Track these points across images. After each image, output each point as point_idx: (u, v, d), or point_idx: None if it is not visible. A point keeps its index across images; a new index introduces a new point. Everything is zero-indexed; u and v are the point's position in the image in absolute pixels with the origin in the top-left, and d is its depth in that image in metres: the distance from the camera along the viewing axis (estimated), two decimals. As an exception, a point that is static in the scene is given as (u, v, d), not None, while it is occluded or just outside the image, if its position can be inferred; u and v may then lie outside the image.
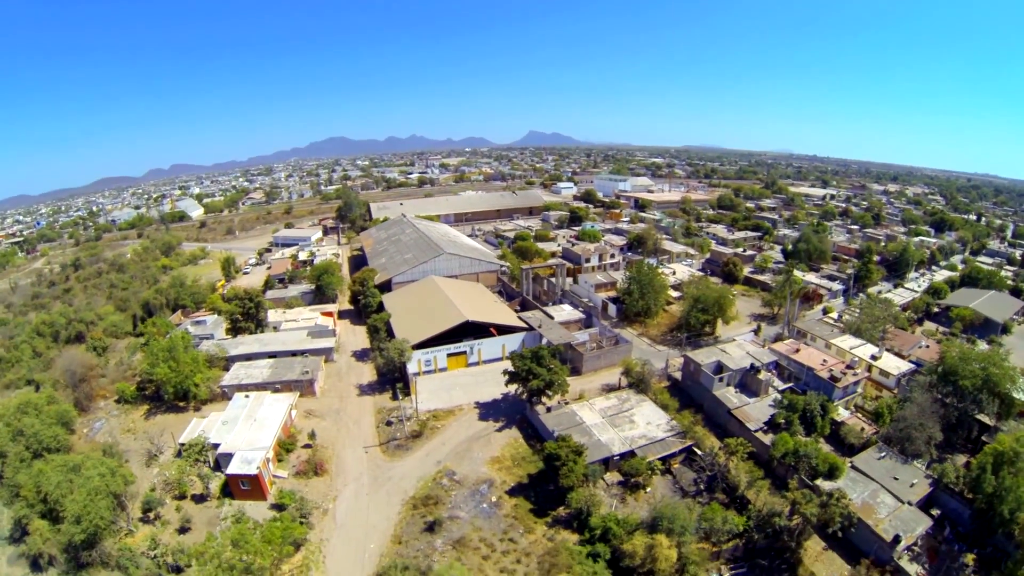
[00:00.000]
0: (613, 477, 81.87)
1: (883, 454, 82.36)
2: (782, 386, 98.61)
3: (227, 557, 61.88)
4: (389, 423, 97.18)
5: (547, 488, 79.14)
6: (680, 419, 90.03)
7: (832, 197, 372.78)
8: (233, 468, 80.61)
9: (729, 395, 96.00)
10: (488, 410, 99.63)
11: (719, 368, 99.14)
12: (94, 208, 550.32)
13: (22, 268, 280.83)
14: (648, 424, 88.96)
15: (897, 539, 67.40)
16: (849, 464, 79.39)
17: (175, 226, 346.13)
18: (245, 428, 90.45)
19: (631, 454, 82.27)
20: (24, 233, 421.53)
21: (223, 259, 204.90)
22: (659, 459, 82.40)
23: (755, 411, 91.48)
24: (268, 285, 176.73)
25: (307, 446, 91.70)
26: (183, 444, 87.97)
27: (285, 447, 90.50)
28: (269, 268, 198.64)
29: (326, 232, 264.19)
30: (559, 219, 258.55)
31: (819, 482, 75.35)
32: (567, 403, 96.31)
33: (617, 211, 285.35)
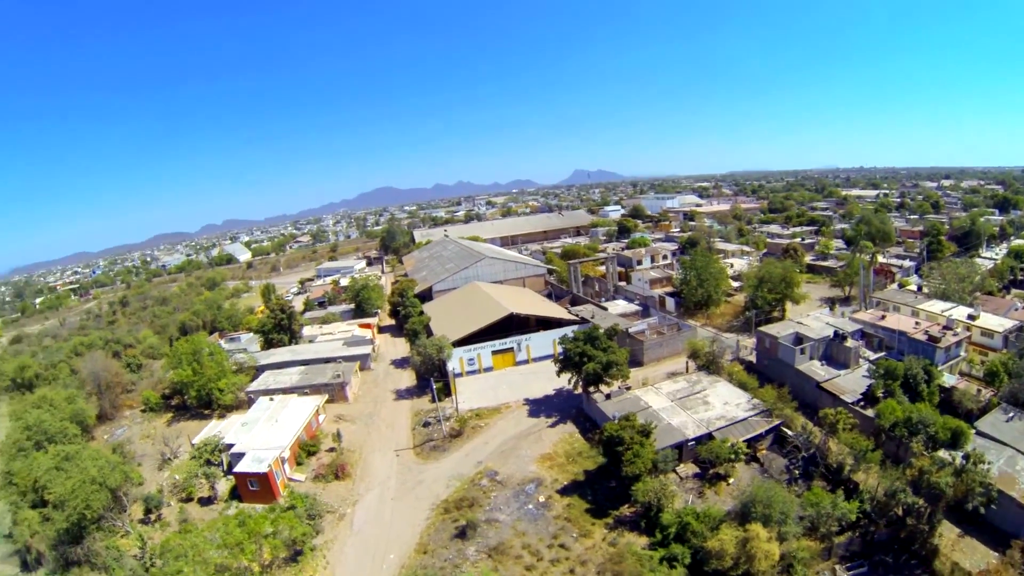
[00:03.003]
0: (688, 469, 69.50)
1: (1011, 415, 68.00)
2: (872, 356, 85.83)
3: (200, 550, 52.66)
4: (426, 424, 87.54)
5: (607, 485, 67.43)
6: (762, 395, 77.08)
7: (885, 195, 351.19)
8: (242, 467, 72.14)
9: (815, 368, 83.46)
10: (539, 406, 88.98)
11: (798, 340, 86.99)
12: (148, 259, 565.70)
13: (74, 309, 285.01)
14: (726, 404, 76.64)
15: (1054, 510, 53.61)
16: (973, 430, 65.43)
17: (222, 268, 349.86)
18: (264, 429, 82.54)
19: (708, 437, 69.96)
20: (80, 281, 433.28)
21: (263, 288, 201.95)
22: (743, 442, 69.82)
23: (847, 383, 78.66)
24: (307, 307, 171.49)
25: (331, 449, 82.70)
26: (195, 444, 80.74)
27: (307, 449, 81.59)
28: (309, 294, 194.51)
29: (370, 263, 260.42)
30: (607, 233, 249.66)
31: (940, 453, 61.35)
32: (629, 388, 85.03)
33: (667, 223, 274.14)
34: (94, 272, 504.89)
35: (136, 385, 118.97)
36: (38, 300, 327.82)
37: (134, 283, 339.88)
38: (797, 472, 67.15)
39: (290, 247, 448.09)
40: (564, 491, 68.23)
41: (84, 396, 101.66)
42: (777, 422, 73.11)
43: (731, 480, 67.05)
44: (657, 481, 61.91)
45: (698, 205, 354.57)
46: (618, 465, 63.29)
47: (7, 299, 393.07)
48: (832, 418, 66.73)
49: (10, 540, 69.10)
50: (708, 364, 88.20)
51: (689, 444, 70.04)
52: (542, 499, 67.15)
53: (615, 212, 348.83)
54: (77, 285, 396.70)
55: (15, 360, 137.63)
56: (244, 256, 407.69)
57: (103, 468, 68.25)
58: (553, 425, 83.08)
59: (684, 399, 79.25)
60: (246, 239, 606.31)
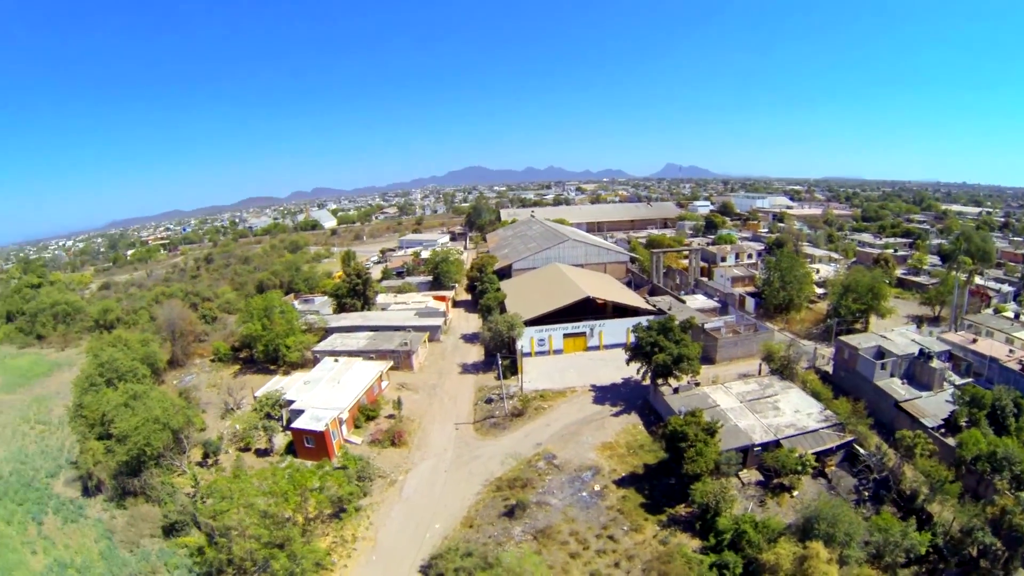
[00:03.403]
0: (751, 476, 67.78)
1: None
2: (959, 380, 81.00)
3: (245, 495, 55.99)
4: (489, 400, 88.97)
5: (666, 481, 66.66)
6: (836, 407, 73.93)
7: (988, 213, 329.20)
8: (300, 423, 75.57)
9: (895, 386, 79.39)
10: (605, 394, 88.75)
11: (880, 354, 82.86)
12: (236, 220, 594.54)
13: (162, 262, 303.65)
14: (797, 413, 74.03)
15: None
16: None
17: (307, 232, 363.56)
18: (326, 389, 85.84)
19: (776, 445, 67.95)
20: (171, 237, 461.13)
21: (343, 254, 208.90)
22: (812, 454, 67.03)
23: (929, 406, 74.47)
24: (385, 275, 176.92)
25: (390, 416, 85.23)
26: (257, 397, 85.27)
27: (366, 413, 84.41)
28: (388, 263, 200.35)
29: (453, 238, 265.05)
30: (694, 228, 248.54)
31: (1024, 495, 57.71)
32: (698, 384, 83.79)
33: (755, 222, 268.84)
34: (184, 229, 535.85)
35: (209, 336, 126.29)
36: (130, 252, 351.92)
37: (221, 242, 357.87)
38: (867, 494, 64.15)
39: (376, 217, 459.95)
40: (621, 482, 67.96)
41: (159, 341, 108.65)
42: (849, 438, 69.97)
43: (795, 493, 64.76)
44: (718, 483, 60.48)
45: (789, 207, 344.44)
46: (679, 462, 62.50)
47: (102, 249, 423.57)
48: (910, 441, 63.63)
49: (75, 467, 75.53)
50: (782, 368, 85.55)
51: (755, 449, 68.19)
52: (597, 488, 67.12)
53: (704, 208, 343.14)
54: (167, 241, 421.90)
55: (100, 303, 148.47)
56: (329, 223, 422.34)
57: (167, 409, 73.58)
58: (617, 414, 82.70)
59: (754, 402, 77.24)
60: (333, 207, 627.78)
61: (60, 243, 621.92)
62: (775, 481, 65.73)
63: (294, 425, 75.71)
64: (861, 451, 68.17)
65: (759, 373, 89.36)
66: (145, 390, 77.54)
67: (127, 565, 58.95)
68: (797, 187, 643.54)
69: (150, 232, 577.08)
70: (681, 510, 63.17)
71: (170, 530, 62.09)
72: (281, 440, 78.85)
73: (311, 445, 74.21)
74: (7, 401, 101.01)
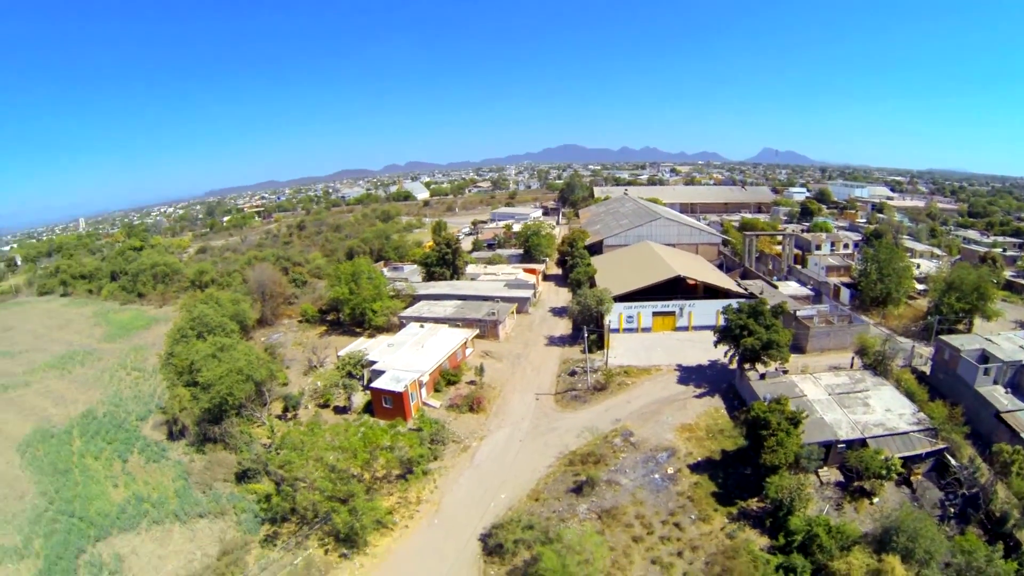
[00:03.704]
0: (831, 475, 65.62)
1: None
2: None
3: (316, 447, 59.80)
4: (572, 373, 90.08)
5: (741, 471, 65.76)
6: (931, 410, 69.76)
7: None
8: (379, 383, 78.69)
9: (997, 394, 74.03)
10: (690, 374, 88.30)
11: (984, 358, 77.71)
12: (330, 191, 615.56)
13: (256, 229, 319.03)
14: (888, 412, 70.77)
15: None
16: None
17: (399, 203, 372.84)
18: (408, 352, 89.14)
19: (861, 443, 65.41)
20: (266, 205, 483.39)
21: (435, 224, 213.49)
22: (899, 458, 63.60)
23: None
24: (476, 247, 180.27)
25: (471, 382, 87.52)
26: (340, 356, 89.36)
27: (447, 378, 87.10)
28: (479, 235, 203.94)
29: (546, 212, 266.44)
30: (789, 214, 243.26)
31: None
32: (786, 372, 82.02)
33: (853, 212, 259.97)
34: (279, 198, 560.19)
35: (298, 299, 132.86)
36: (226, 218, 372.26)
37: (313, 210, 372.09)
38: (952, 510, 60.65)
39: (469, 191, 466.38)
40: (695, 467, 67.50)
41: (249, 301, 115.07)
42: (941, 446, 66.06)
43: (875, 499, 62.02)
44: (795, 479, 58.99)
45: (889, 198, 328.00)
46: (758, 451, 61.20)
47: (200, 216, 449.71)
48: (1008, 456, 59.56)
49: (163, 412, 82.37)
50: (876, 364, 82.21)
51: (839, 446, 65.90)
52: (671, 471, 66.87)
53: (800, 194, 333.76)
54: (262, 208, 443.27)
55: (197, 265, 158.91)
56: (422, 195, 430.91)
57: (252, 362, 78.84)
58: (700, 396, 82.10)
59: (843, 395, 74.63)
60: (426, 180, 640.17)
61: (162, 210, 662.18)
62: (855, 483, 63.23)
63: (373, 385, 79.00)
64: (952, 462, 64.46)
65: (851, 367, 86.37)
66: (232, 343, 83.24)
67: (199, 504, 64.71)
68: (899, 178, 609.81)
69: (246, 200, 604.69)
70: (753, 504, 62.05)
71: (242, 476, 67.23)
72: (360, 399, 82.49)
73: (389, 405, 77.35)
74: (108, 350, 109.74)
